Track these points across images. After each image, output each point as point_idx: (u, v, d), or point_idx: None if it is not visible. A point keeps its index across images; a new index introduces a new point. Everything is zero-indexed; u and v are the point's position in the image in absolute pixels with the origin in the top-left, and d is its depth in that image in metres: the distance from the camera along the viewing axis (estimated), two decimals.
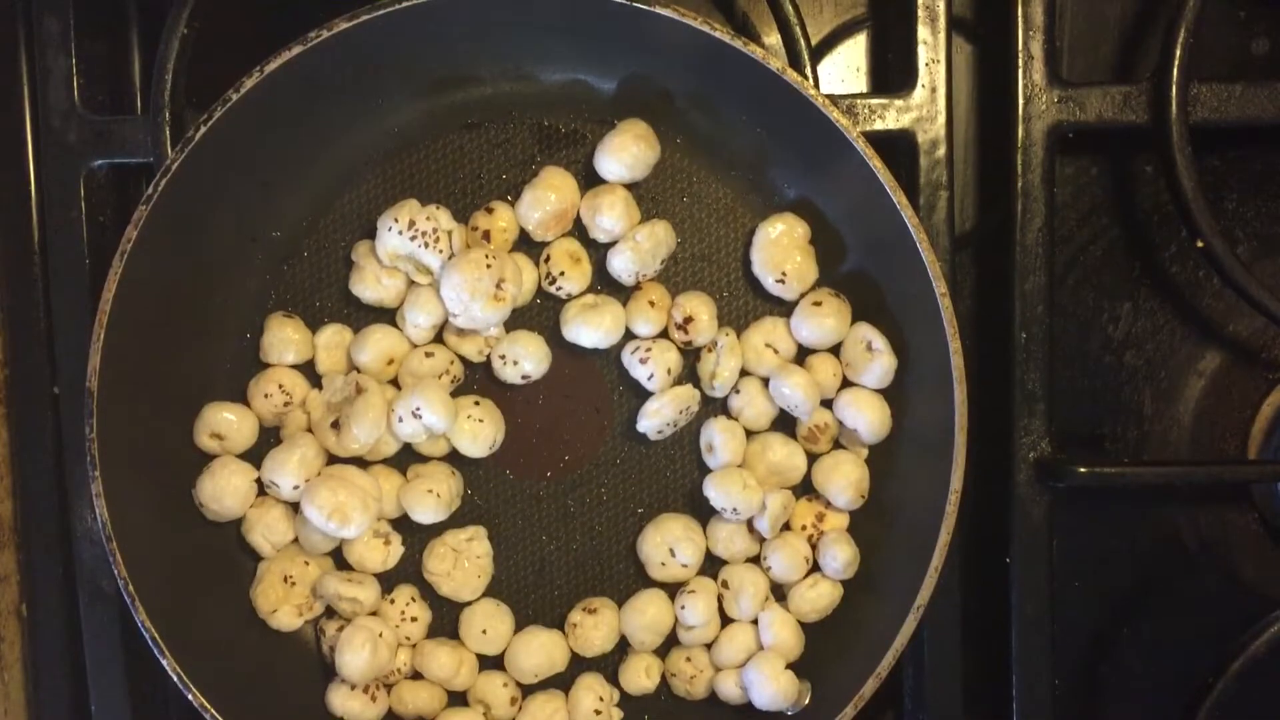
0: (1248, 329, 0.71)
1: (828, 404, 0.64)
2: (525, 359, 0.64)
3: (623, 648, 0.66)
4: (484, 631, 0.65)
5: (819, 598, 0.64)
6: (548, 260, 0.64)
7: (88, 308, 0.63)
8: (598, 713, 0.64)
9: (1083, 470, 0.63)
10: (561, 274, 0.64)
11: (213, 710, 0.60)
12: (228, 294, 0.65)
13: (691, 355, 0.65)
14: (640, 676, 0.65)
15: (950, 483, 0.59)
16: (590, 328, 0.63)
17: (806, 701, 0.63)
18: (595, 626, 0.65)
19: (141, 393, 0.61)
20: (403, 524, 0.65)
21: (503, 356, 0.64)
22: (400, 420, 0.62)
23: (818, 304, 0.63)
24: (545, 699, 0.65)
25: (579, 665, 0.66)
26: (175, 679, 0.59)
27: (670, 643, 0.66)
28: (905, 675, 0.66)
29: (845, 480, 0.63)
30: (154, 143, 0.64)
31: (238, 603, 0.64)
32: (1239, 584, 0.72)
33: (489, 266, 0.61)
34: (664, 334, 0.65)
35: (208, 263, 0.63)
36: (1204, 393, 0.72)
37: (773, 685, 0.62)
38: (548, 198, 0.63)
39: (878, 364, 0.63)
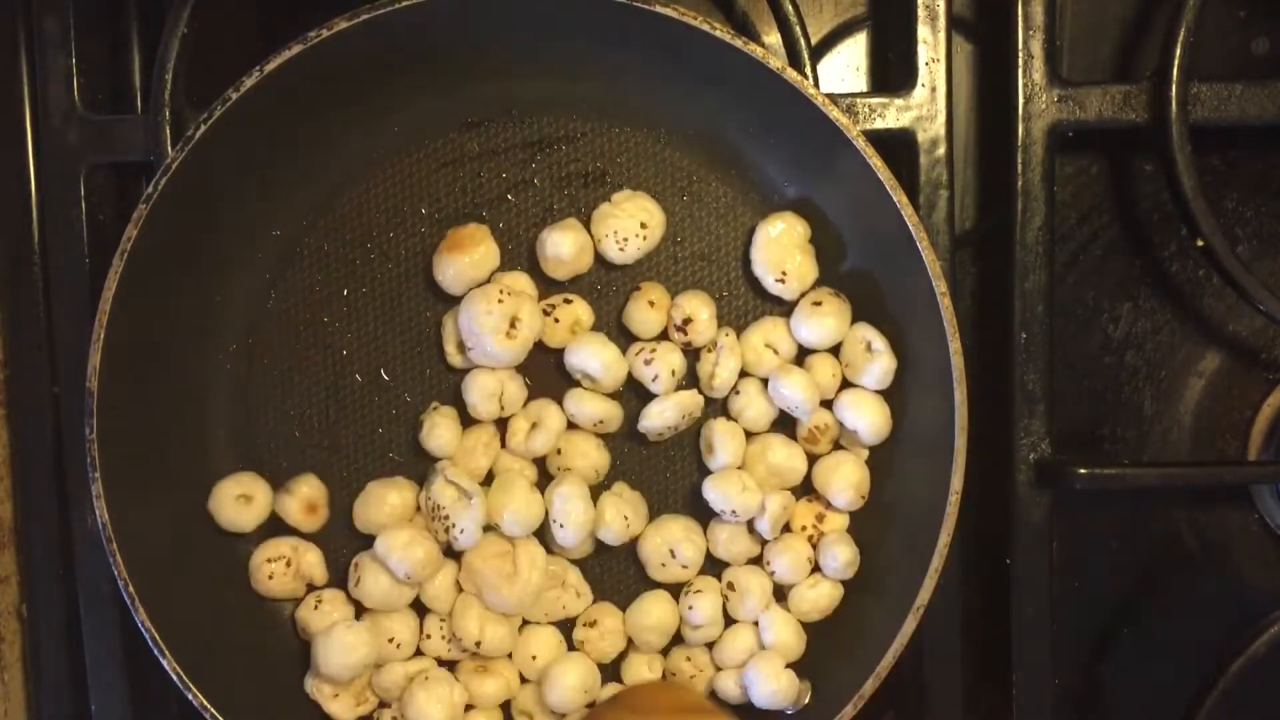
0: (1248, 329, 0.71)
1: (828, 405, 0.64)
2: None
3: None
4: (534, 658, 0.65)
5: (819, 598, 0.64)
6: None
7: (88, 307, 0.63)
8: None
9: (1083, 471, 0.63)
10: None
11: (213, 710, 0.60)
12: (228, 294, 0.65)
13: (692, 356, 0.65)
14: (644, 672, 0.65)
15: (950, 483, 0.59)
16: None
17: (807, 701, 0.63)
18: (601, 637, 0.65)
19: (142, 393, 0.61)
20: None
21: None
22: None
23: (818, 304, 0.63)
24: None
25: None
26: (175, 679, 0.59)
27: (672, 641, 0.66)
28: (906, 675, 0.66)
29: (845, 481, 0.63)
30: (154, 142, 0.64)
31: (238, 602, 0.64)
32: (1239, 584, 0.72)
33: (500, 302, 0.61)
34: (664, 335, 0.65)
35: (208, 262, 0.63)
36: (1204, 393, 0.72)
37: (772, 685, 0.62)
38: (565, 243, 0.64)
39: (877, 364, 0.63)
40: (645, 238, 0.64)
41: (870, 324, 0.63)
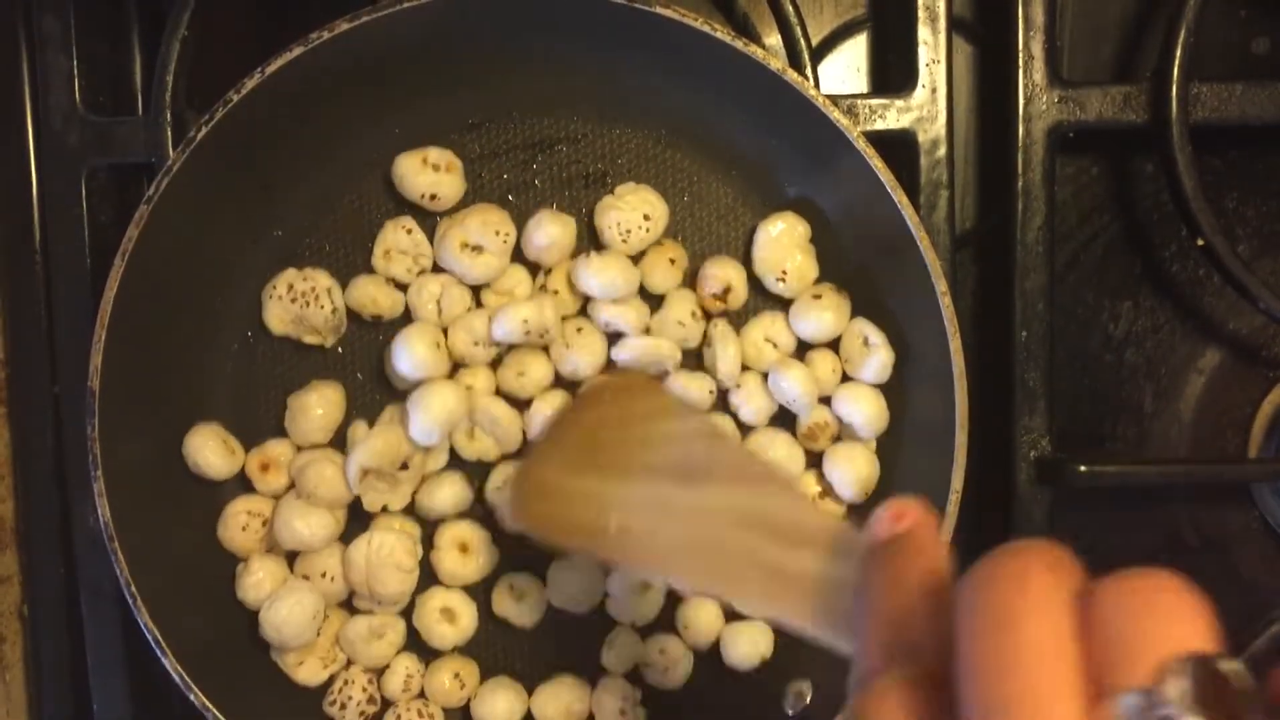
0: (1248, 327, 0.71)
1: (825, 401, 0.64)
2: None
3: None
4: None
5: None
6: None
7: (89, 308, 0.63)
8: (623, 713, 0.64)
9: (1083, 469, 0.63)
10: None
11: (214, 710, 0.60)
12: (228, 294, 0.65)
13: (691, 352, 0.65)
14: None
15: (950, 482, 0.59)
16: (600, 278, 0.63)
17: (807, 701, 0.63)
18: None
19: (143, 392, 0.61)
20: None
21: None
22: None
23: (817, 296, 0.63)
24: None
25: (600, 671, 0.66)
26: (177, 679, 0.59)
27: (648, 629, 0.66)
28: None
29: (855, 473, 0.63)
30: (155, 143, 0.64)
31: (239, 603, 0.64)
32: (1239, 583, 0.72)
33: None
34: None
35: (209, 263, 0.63)
36: (1204, 391, 0.72)
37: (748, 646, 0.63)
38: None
39: (875, 359, 0.63)
40: (648, 230, 0.64)
41: (868, 319, 0.63)
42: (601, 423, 0.55)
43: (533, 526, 0.53)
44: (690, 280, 0.65)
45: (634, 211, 0.63)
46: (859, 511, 0.65)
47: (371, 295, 0.64)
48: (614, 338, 0.64)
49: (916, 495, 0.60)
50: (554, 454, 0.55)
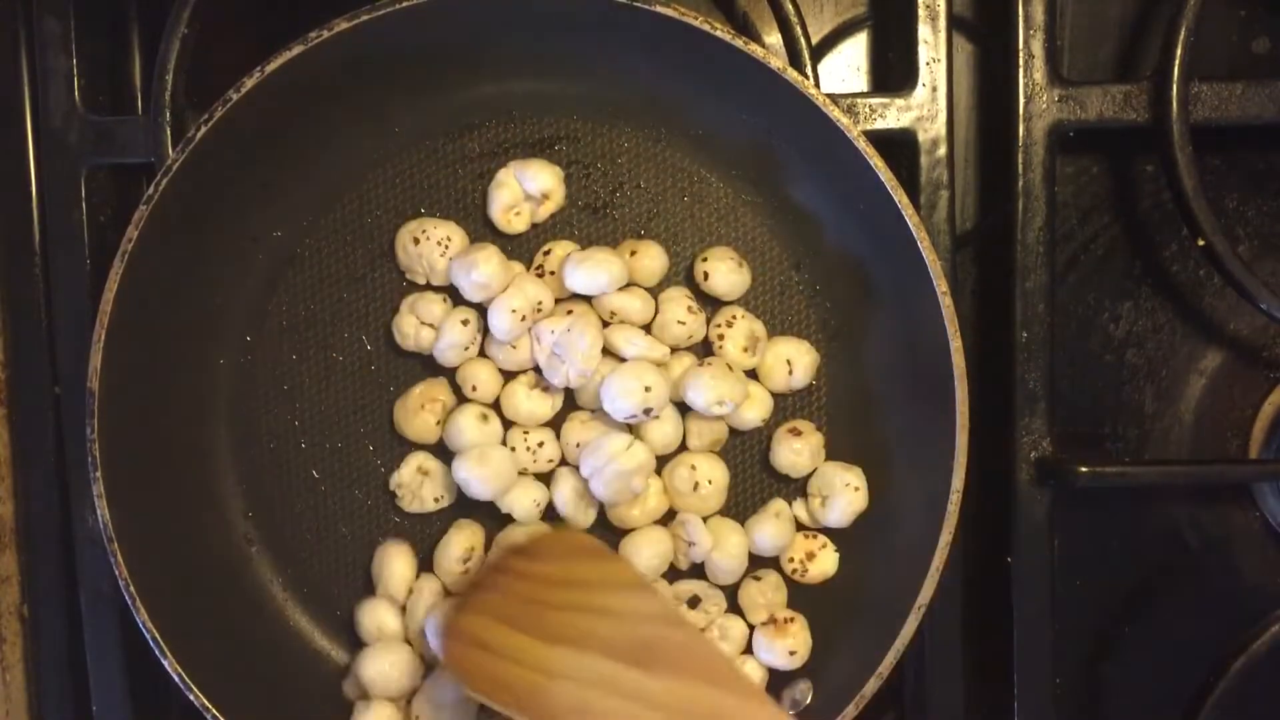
0: (1249, 328, 0.71)
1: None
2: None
3: None
4: None
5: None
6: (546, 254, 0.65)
7: (88, 308, 0.63)
8: None
9: (1084, 470, 0.63)
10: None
11: (214, 710, 0.60)
12: (228, 294, 0.65)
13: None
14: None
15: (951, 482, 0.59)
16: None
17: (808, 701, 0.63)
18: None
19: (142, 393, 0.61)
20: None
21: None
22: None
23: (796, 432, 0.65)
24: None
25: None
26: (177, 679, 0.59)
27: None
28: (907, 675, 0.66)
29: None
30: (155, 143, 0.64)
31: (239, 602, 0.64)
32: (1240, 584, 0.72)
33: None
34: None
35: (208, 263, 0.63)
36: (1205, 391, 0.72)
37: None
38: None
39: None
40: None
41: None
42: (549, 581, 0.53)
43: (462, 674, 0.52)
44: (686, 276, 0.65)
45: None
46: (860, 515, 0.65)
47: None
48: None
49: (918, 495, 0.61)
50: (493, 606, 0.54)
